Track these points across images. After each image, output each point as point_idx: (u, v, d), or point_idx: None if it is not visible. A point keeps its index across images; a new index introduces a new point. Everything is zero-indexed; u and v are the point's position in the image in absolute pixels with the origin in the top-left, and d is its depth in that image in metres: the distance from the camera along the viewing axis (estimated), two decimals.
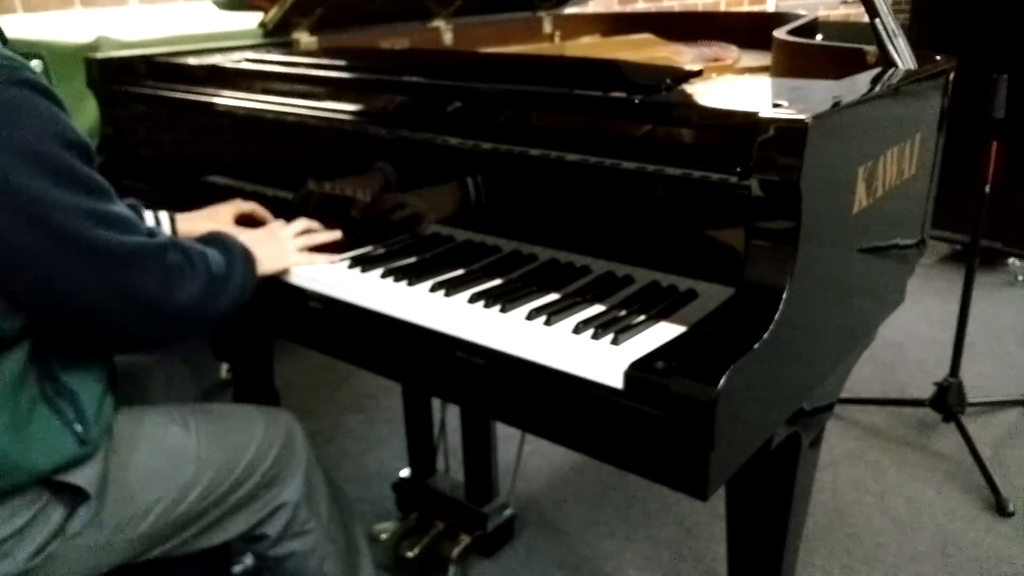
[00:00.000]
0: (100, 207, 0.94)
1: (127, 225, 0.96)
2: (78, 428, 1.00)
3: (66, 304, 0.94)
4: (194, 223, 1.32)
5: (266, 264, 1.17)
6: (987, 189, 2.04)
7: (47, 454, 0.98)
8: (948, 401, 2.21)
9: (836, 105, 0.92)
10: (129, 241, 0.95)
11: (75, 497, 1.02)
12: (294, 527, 1.25)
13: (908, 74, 1.15)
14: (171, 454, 1.12)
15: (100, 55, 1.68)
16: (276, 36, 1.73)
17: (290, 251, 1.20)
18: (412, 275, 1.13)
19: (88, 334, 1.00)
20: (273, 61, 1.49)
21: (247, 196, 1.48)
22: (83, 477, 1.01)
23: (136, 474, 1.08)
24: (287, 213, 1.40)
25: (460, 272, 1.14)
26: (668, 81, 1.07)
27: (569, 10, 2.23)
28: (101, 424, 1.04)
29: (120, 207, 0.98)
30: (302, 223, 1.25)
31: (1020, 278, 3.31)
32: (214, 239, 1.13)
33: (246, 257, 1.12)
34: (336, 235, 1.25)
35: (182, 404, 1.22)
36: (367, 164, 1.28)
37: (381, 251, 1.24)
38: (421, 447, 1.93)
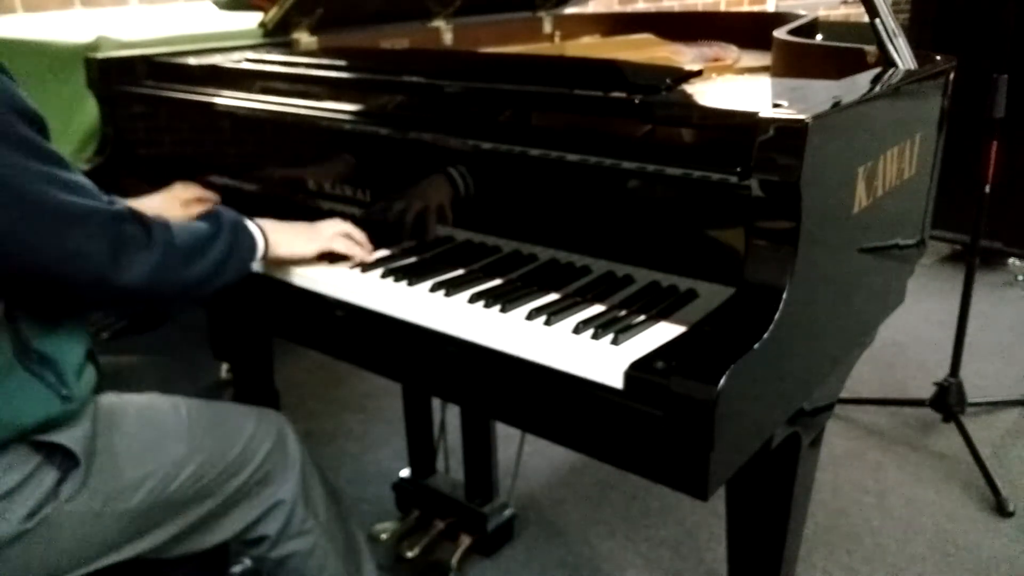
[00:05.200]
0: (54, 171, 0.95)
1: (83, 190, 0.98)
2: (60, 389, 1.02)
3: (20, 263, 0.95)
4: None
5: (283, 247, 1.17)
6: (987, 189, 2.04)
7: (30, 409, 1.00)
8: (948, 401, 2.21)
9: (836, 105, 0.92)
10: (81, 202, 0.96)
11: (65, 462, 1.03)
12: (292, 526, 1.25)
13: (908, 74, 1.15)
14: (160, 429, 1.13)
15: (100, 55, 1.68)
16: (276, 36, 1.73)
17: (321, 239, 1.19)
18: (412, 275, 1.13)
19: (46, 295, 1.01)
20: (273, 61, 1.49)
21: (247, 196, 1.48)
22: (70, 438, 1.03)
23: (125, 443, 1.10)
24: (287, 213, 1.40)
25: (460, 272, 1.14)
26: (668, 81, 1.07)
27: (569, 10, 2.23)
28: (83, 386, 1.06)
29: (77, 176, 0.99)
30: (343, 223, 1.23)
31: (1020, 278, 3.31)
32: (209, 211, 1.15)
33: (237, 230, 1.12)
34: (372, 255, 1.21)
35: (174, 396, 1.22)
36: (367, 164, 1.28)
37: (381, 251, 1.24)
38: (421, 447, 1.93)
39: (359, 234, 1.23)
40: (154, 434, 1.13)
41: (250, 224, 1.15)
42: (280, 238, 1.18)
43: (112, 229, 0.98)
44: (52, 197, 0.94)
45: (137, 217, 1.02)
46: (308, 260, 1.20)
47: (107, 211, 0.98)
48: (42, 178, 0.93)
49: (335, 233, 1.21)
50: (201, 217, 1.14)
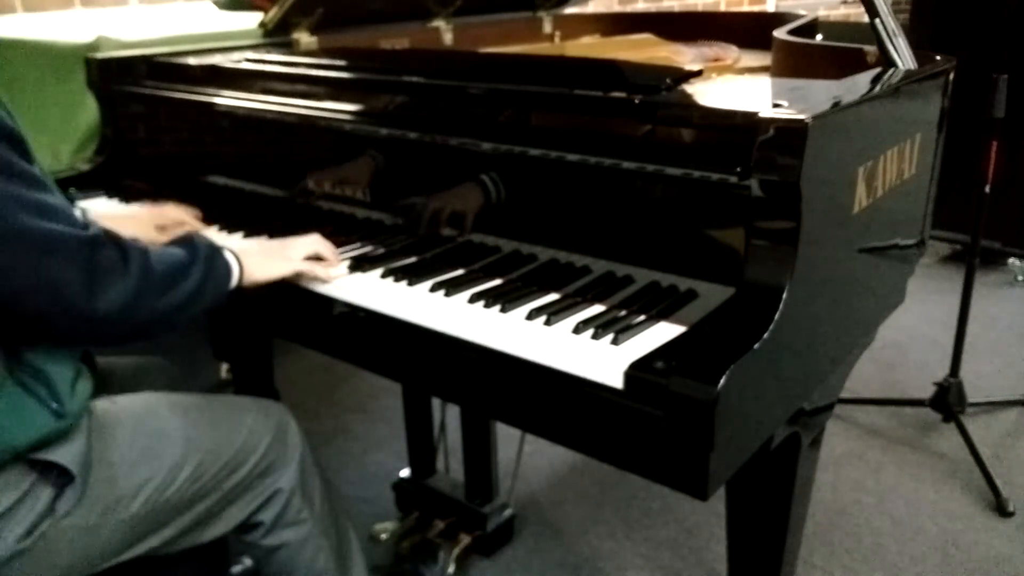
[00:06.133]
0: (29, 194, 0.92)
1: (56, 214, 0.94)
2: (53, 404, 1.00)
3: None
4: (111, 221, 1.30)
5: (258, 272, 1.15)
6: (987, 189, 2.04)
7: (23, 428, 0.98)
8: (948, 401, 2.21)
9: (836, 105, 0.92)
10: (54, 229, 0.92)
11: (61, 478, 1.02)
12: (288, 515, 1.24)
13: (908, 74, 1.15)
14: (156, 434, 1.12)
15: (100, 55, 1.68)
16: (276, 36, 1.73)
17: (292, 260, 1.17)
18: (412, 275, 1.13)
19: (19, 326, 0.97)
20: (273, 61, 1.49)
21: (247, 196, 1.48)
22: (65, 456, 1.01)
23: (121, 453, 1.08)
24: (286, 213, 1.40)
25: (460, 272, 1.14)
26: (668, 81, 1.07)
27: (569, 10, 2.23)
28: (77, 401, 1.04)
29: (54, 198, 0.95)
30: (315, 239, 1.21)
31: (1020, 278, 3.31)
32: (183, 238, 1.12)
33: (213, 259, 1.09)
34: (342, 270, 1.20)
35: (171, 394, 1.22)
36: (366, 165, 1.28)
37: (381, 251, 1.24)
38: (421, 447, 1.93)
39: (328, 250, 1.20)
40: (150, 439, 1.11)
41: (225, 251, 1.12)
42: (255, 264, 1.15)
43: (87, 256, 0.95)
44: (24, 223, 0.90)
45: (114, 241, 0.99)
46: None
47: (81, 237, 0.95)
48: (14, 201, 0.90)
49: (307, 252, 1.18)
50: (176, 243, 1.10)
